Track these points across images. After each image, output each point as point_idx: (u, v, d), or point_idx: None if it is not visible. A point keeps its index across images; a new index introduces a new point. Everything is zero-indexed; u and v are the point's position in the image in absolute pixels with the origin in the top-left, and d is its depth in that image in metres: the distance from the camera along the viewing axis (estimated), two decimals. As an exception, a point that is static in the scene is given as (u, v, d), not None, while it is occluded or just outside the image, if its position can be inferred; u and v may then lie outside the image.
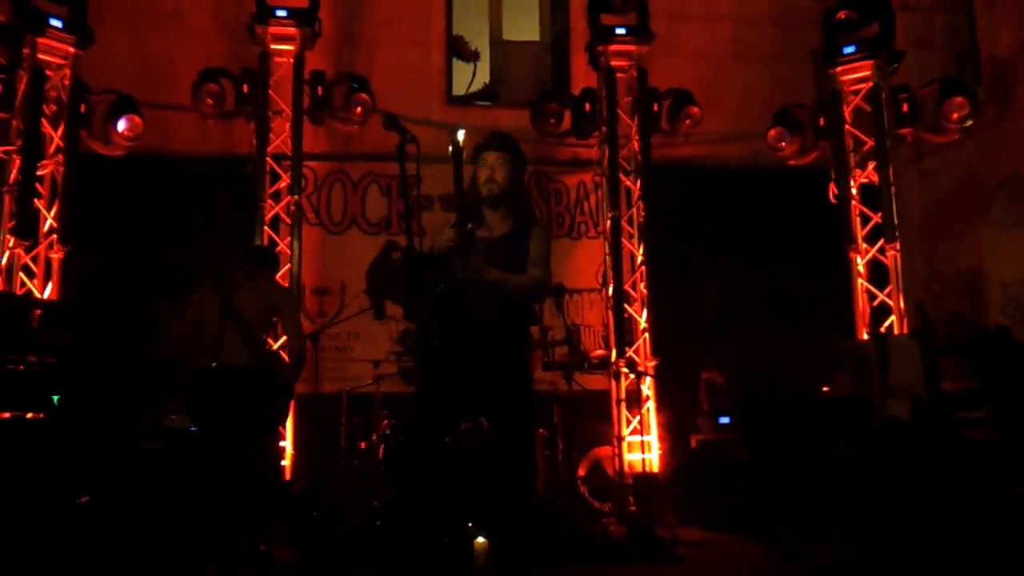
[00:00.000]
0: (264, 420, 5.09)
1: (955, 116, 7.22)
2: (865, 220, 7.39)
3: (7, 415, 5.09)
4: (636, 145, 7.80)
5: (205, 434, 4.93)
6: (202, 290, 5.09)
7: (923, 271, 8.47)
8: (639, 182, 7.75)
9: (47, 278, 6.70)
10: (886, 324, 7.05)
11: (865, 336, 6.92)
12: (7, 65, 6.72)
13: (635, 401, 7.31)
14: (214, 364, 4.90)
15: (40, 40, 6.76)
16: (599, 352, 7.46)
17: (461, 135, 3.50)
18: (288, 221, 7.38)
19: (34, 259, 6.69)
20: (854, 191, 7.44)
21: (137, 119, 7.07)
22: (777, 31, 9.07)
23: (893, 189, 7.25)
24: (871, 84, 7.41)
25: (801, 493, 5.69)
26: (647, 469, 7.12)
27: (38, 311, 5.77)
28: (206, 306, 5.02)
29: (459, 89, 9.28)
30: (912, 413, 5.41)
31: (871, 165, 7.39)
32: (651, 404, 7.35)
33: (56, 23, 6.80)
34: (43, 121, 6.81)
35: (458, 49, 9.30)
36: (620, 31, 7.80)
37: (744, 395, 5.65)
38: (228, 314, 4.91)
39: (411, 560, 3.66)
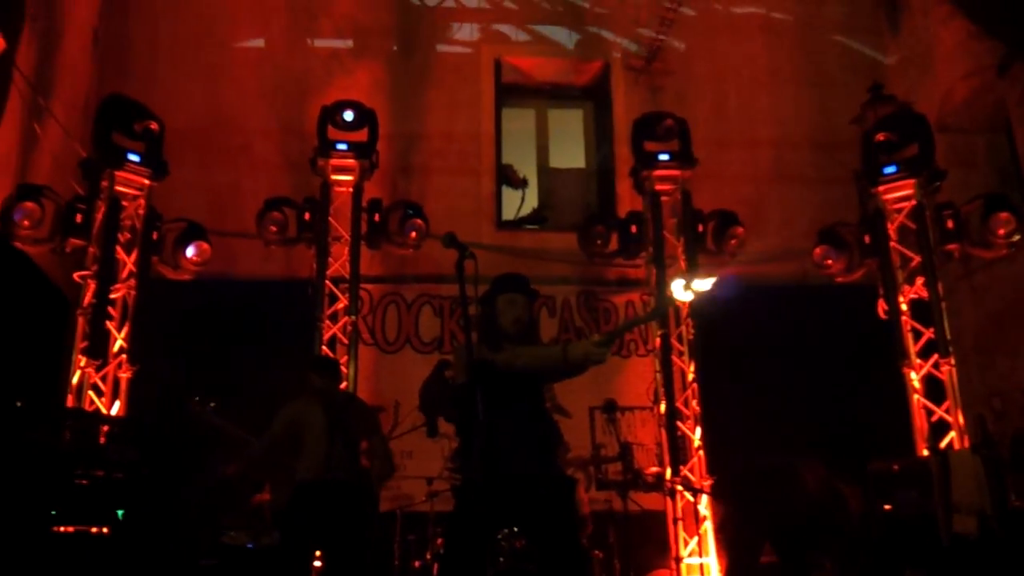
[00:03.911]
0: (365, 536, 5.10)
1: (1001, 231, 7.25)
2: (917, 336, 7.35)
3: (71, 529, 5.19)
4: (683, 264, 7.94)
5: (298, 547, 4.93)
6: (297, 405, 5.13)
7: (982, 387, 8.33)
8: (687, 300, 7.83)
9: (115, 396, 6.91)
10: (946, 440, 6.91)
11: (924, 452, 6.78)
12: (86, 196, 7.15)
13: (692, 521, 7.17)
14: (328, 477, 4.91)
15: (118, 173, 7.18)
16: (654, 469, 7.38)
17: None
18: (345, 341, 7.58)
19: (103, 378, 6.92)
20: (904, 307, 7.42)
21: (205, 245, 7.42)
22: (818, 154, 9.36)
23: (944, 304, 7.22)
24: (914, 202, 7.50)
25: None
26: (706, 593, 6.92)
27: (106, 427, 5.93)
28: (305, 421, 5.04)
29: (508, 214, 9.62)
30: (980, 530, 5.24)
31: (919, 281, 7.39)
32: (709, 524, 7.20)
33: (134, 158, 7.24)
34: (117, 248, 7.16)
35: (507, 176, 9.69)
36: (663, 157, 8.10)
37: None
38: (337, 429, 4.97)
39: None
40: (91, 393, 6.78)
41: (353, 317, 7.58)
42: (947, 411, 7.05)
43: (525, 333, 3.85)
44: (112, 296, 7.05)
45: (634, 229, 8.16)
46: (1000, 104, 8.80)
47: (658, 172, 8.11)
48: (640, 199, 8.34)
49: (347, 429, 5.04)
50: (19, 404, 5.53)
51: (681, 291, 3.55)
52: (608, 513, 6.41)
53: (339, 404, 5.14)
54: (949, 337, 7.16)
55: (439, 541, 5.99)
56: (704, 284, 3.49)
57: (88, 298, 6.92)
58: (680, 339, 7.88)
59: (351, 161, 7.88)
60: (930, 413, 7.13)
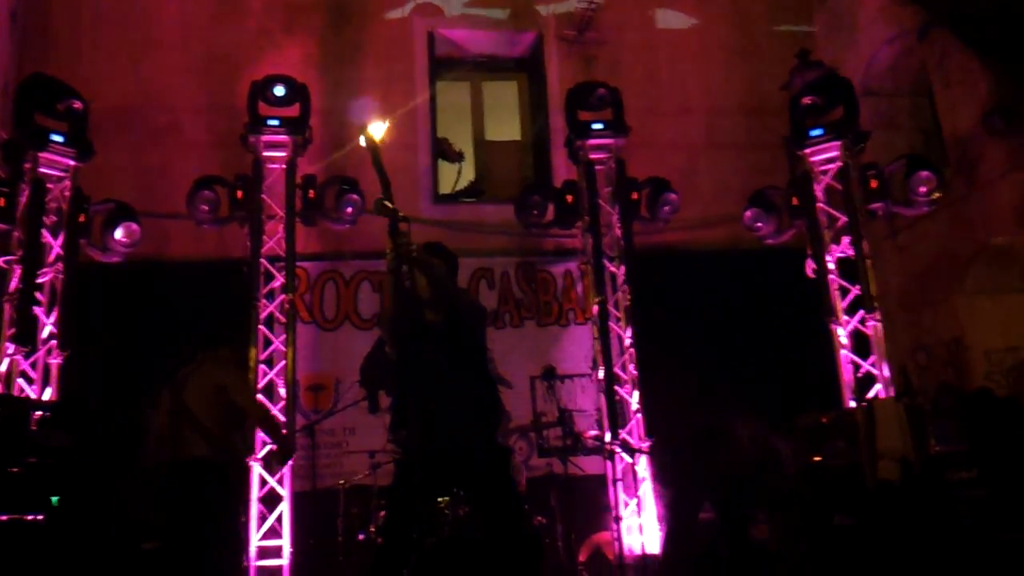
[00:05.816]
0: (220, 512, 5.16)
1: (922, 190, 7.48)
2: (844, 293, 7.56)
3: (5, 518, 5.11)
4: (618, 232, 8.03)
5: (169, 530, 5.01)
6: (162, 394, 5.25)
7: (908, 342, 8.63)
8: (623, 268, 7.96)
9: (45, 383, 6.77)
10: (872, 392, 7.15)
11: (851, 404, 7.01)
12: (8, 179, 6.94)
13: (632, 482, 7.32)
14: (171, 459, 5.06)
15: (41, 155, 6.97)
16: (593, 433, 7.51)
17: (374, 129, 3.75)
18: (283, 320, 7.52)
19: (33, 365, 6.77)
20: (831, 265, 7.61)
21: (134, 226, 7.27)
22: (748, 120, 9.53)
23: (869, 262, 7.42)
24: (840, 164, 7.68)
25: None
26: (647, 551, 7.07)
27: (37, 413, 5.83)
28: (161, 407, 5.20)
29: (445, 188, 9.62)
30: (903, 475, 5.47)
31: (846, 240, 7.59)
32: (648, 485, 7.36)
33: (57, 138, 7.03)
34: (43, 231, 6.98)
35: (443, 150, 9.67)
36: (597, 126, 8.16)
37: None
38: (178, 410, 5.06)
39: None
40: (20, 381, 6.63)
41: (290, 295, 7.51)
42: (873, 365, 7.29)
43: (439, 298, 3.89)
44: (39, 281, 6.87)
45: (570, 199, 8.22)
46: (921, 67, 9.04)
47: (592, 141, 8.16)
48: (576, 169, 8.40)
49: (187, 406, 5.07)
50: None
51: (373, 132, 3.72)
52: (549, 477, 6.52)
53: (179, 383, 5.18)
54: (875, 294, 7.37)
55: (381, 514, 6.02)
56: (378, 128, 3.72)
57: (14, 284, 6.74)
58: (617, 306, 7.99)
59: (283, 137, 7.76)
60: (857, 367, 7.35)
